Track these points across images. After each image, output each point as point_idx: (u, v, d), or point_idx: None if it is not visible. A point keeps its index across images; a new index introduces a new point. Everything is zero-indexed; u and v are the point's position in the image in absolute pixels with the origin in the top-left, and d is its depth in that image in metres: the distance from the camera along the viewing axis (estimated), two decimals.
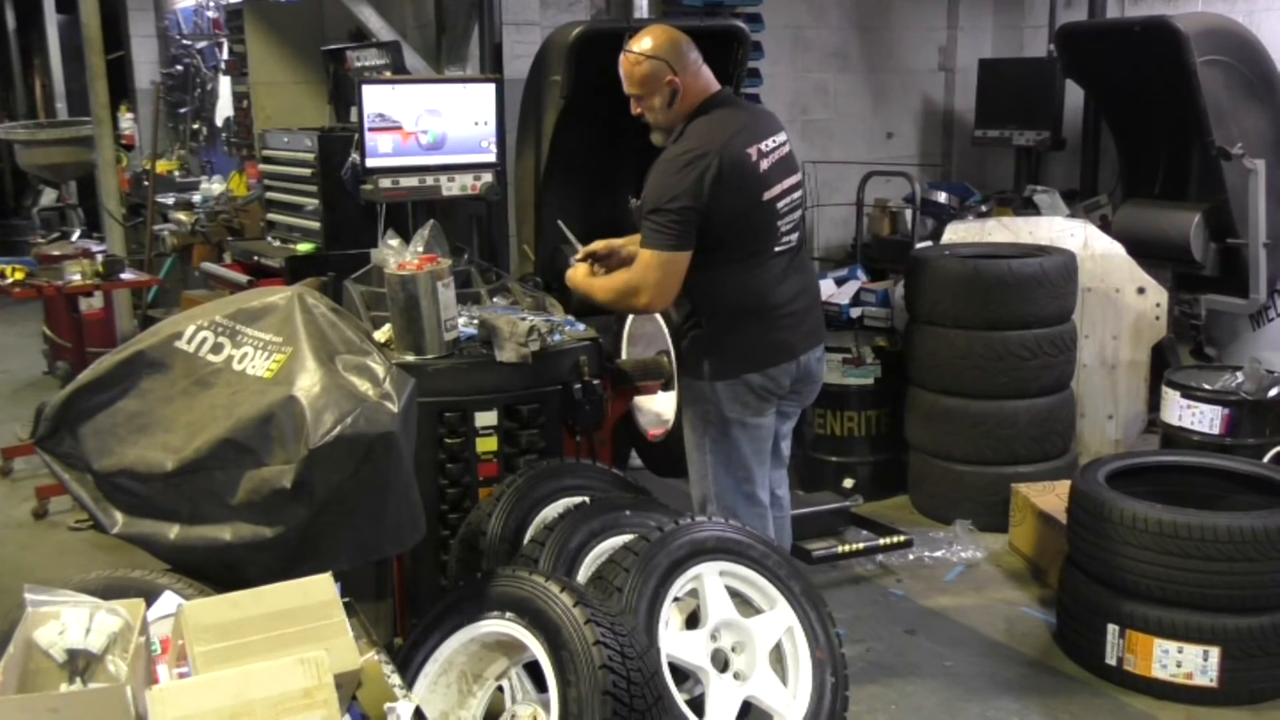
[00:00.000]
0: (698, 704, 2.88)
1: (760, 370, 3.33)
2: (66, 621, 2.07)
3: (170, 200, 7.63)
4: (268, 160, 5.53)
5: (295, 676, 1.90)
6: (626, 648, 2.62)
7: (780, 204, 3.31)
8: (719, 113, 3.30)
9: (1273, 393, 4.73)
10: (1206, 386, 4.84)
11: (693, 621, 3.01)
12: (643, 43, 3.29)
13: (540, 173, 5.20)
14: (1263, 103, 5.75)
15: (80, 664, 2.05)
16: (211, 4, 8.55)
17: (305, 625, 2.15)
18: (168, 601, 2.44)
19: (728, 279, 3.29)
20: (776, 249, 3.32)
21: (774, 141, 3.32)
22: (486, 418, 3.57)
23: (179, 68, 9.25)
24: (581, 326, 3.85)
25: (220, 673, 1.96)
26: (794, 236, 3.38)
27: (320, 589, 2.23)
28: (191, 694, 1.89)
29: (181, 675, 2.08)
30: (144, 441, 2.76)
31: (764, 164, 3.27)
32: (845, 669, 3.07)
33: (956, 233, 5.68)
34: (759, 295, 3.31)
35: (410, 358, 3.46)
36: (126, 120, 9.60)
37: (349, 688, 2.11)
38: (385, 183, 4.61)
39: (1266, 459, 4.49)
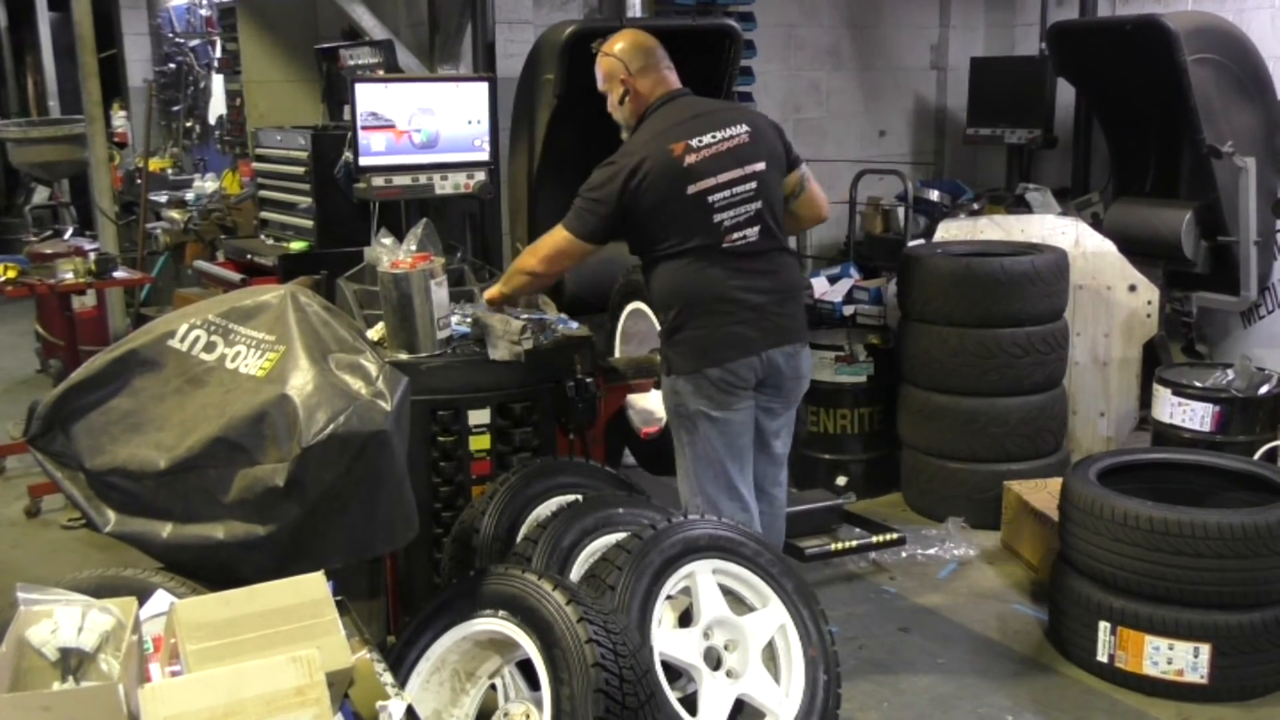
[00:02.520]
0: (690, 702, 2.89)
1: (718, 365, 3.35)
2: (59, 620, 2.07)
3: (163, 198, 7.63)
4: (261, 158, 5.52)
5: (287, 675, 1.90)
6: (619, 646, 2.63)
7: (715, 197, 3.32)
8: (661, 112, 3.44)
9: (1263, 390, 4.76)
10: (1198, 384, 4.85)
11: (685, 619, 3.02)
12: (612, 44, 3.51)
13: (533, 171, 5.21)
14: (1253, 101, 5.77)
15: (73, 662, 2.05)
16: (204, 2, 8.55)
17: (297, 623, 2.15)
18: (160, 600, 2.45)
19: (677, 274, 3.36)
20: (724, 245, 3.34)
21: (716, 135, 3.36)
22: (480, 416, 3.58)
23: (172, 66, 9.25)
24: (574, 324, 3.85)
25: (212, 671, 1.95)
26: (751, 230, 3.36)
27: (312, 587, 2.23)
28: (184, 692, 1.89)
29: (174, 673, 2.08)
30: (136, 440, 2.76)
31: (691, 158, 3.31)
32: (838, 666, 3.07)
33: (949, 230, 5.69)
34: (710, 290, 3.34)
35: (403, 356, 3.47)
36: (119, 118, 9.59)
37: (341, 686, 2.11)
38: (378, 181, 4.61)
39: (1257, 456, 4.52)
